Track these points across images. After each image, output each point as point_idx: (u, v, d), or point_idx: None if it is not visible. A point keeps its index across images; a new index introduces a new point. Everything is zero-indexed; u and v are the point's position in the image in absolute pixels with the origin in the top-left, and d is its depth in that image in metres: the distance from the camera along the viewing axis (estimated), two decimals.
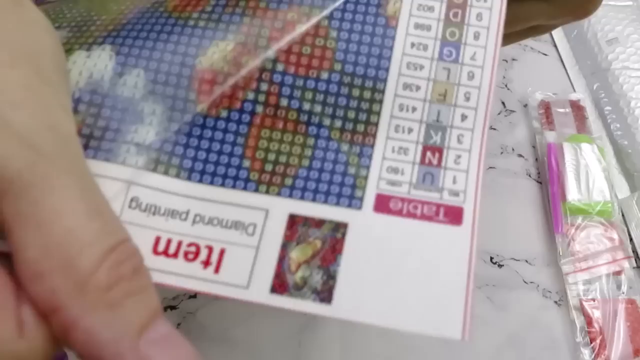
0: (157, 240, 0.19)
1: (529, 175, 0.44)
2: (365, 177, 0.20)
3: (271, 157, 0.20)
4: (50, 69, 0.17)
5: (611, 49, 0.48)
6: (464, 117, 0.20)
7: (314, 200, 0.20)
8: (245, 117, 0.20)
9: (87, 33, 0.21)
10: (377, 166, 0.20)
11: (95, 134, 0.19)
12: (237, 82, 0.21)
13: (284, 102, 0.21)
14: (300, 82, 0.21)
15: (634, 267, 0.39)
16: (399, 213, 0.19)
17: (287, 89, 0.21)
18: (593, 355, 0.36)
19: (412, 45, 0.21)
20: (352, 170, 0.20)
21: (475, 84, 0.20)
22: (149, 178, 0.19)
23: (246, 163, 0.20)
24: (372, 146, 0.20)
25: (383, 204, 0.19)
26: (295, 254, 0.19)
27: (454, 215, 0.19)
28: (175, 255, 0.19)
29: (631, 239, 0.41)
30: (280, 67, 0.21)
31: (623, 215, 0.42)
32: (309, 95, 0.21)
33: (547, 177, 0.43)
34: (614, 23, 0.49)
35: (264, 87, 0.21)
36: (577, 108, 0.46)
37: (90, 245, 0.15)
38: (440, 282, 0.18)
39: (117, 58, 0.20)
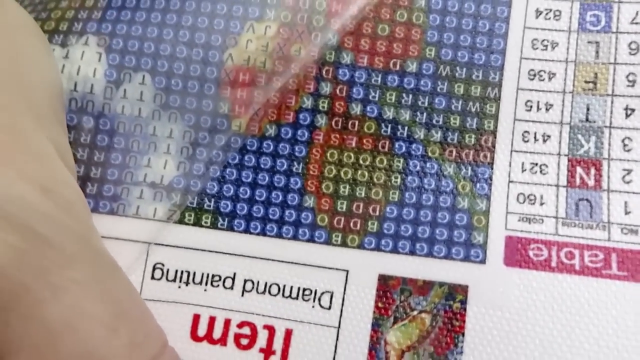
0: (196, 319, 0.14)
1: None
2: (486, 213, 0.14)
3: (344, 190, 0.14)
4: (41, 96, 0.12)
5: None
6: (629, 112, 0.14)
7: (412, 252, 0.14)
8: (303, 134, 0.14)
9: (55, 14, 0.14)
10: (502, 194, 0.14)
11: (92, 174, 0.14)
12: (285, 84, 0.14)
13: (356, 108, 0.14)
14: (377, 78, 0.14)
15: None
16: (545, 266, 0.13)
17: (359, 90, 0.14)
18: None
19: (538, 12, 0.15)
20: (464, 202, 0.14)
21: None
22: (174, 233, 0.14)
23: (309, 201, 0.14)
24: (491, 165, 0.14)
25: (518, 253, 0.13)
26: (394, 337, 0.13)
27: (635, 266, 0.13)
28: (222, 340, 0.13)
29: None
30: (347, 57, 0.14)
31: None
32: (391, 96, 0.14)
33: None
34: None
35: (326, 88, 0.14)
36: None
37: None
38: None
39: (108, 57, 0.14)
